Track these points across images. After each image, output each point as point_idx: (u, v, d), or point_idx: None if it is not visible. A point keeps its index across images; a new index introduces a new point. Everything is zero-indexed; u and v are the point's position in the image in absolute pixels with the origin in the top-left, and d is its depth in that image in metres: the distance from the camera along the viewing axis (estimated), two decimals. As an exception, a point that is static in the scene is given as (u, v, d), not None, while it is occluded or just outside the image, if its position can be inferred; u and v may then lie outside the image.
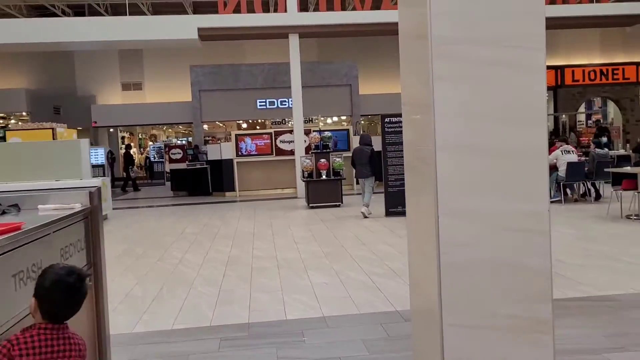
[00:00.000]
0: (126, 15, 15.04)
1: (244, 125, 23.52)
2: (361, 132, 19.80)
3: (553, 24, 12.86)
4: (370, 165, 9.90)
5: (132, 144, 24.58)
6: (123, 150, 24.06)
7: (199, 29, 13.46)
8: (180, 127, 27.15)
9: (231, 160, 14.86)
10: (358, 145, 10.59)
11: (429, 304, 2.80)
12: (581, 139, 18.99)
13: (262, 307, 4.70)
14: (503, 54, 2.61)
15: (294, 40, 13.87)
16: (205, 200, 14.15)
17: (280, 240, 7.90)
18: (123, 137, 25.65)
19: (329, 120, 22.56)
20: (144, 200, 15.41)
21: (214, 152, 15.64)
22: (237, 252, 7.16)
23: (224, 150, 15.24)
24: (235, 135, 15.26)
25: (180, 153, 17.30)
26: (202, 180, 15.59)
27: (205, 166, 15.77)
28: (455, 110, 2.63)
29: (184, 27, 13.57)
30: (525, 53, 2.62)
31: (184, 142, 23.08)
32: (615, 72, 20.06)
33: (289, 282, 5.49)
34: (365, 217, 9.68)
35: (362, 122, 22.44)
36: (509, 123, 2.62)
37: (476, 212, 2.58)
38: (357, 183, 14.75)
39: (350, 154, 14.71)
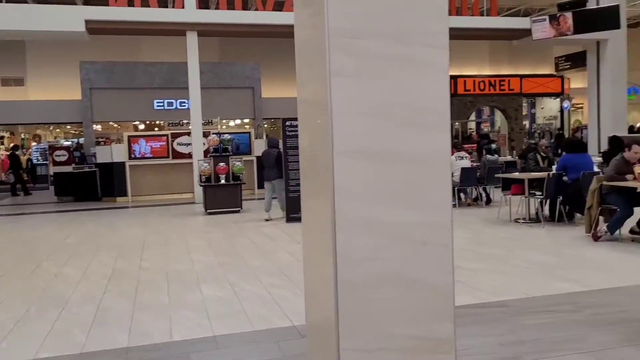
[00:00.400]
0: (4, 2, 13.58)
1: (141, 127, 22.32)
2: (263, 135, 19.52)
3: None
4: (277, 167, 9.76)
5: (18, 145, 22.43)
6: (3, 152, 21.89)
7: (87, 21, 12.43)
8: (69, 127, 25.24)
9: (123, 163, 13.90)
10: (266, 148, 10.53)
11: (325, 324, 2.54)
12: (465, 146, 19.93)
13: (144, 328, 4.22)
14: (406, 50, 2.40)
15: (192, 38, 13.25)
16: (93, 207, 13.08)
17: (173, 250, 7.36)
18: (2, 137, 23.36)
19: (231, 123, 22.01)
20: (22, 207, 13.97)
21: (104, 155, 14.57)
22: (122, 265, 6.54)
23: (116, 153, 14.25)
24: (128, 136, 14.32)
25: (65, 155, 15.94)
26: (90, 184, 14.44)
27: (94, 169, 14.63)
28: (355, 111, 2.38)
29: (69, 18, 12.46)
30: (429, 51, 2.43)
31: (71, 143, 21.38)
32: (502, 83, 21.39)
33: (178, 297, 5.03)
34: (268, 220, 9.74)
35: (265, 125, 22.13)
36: (412, 126, 2.42)
37: (376, 223, 2.35)
38: (261, 187, 14.51)
39: (252, 158, 14.52)
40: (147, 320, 4.41)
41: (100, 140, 21.77)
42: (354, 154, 2.35)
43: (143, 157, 14.11)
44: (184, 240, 8.10)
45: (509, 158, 14.98)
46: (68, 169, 15.12)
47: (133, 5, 12.70)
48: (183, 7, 12.98)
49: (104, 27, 13.08)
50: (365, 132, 2.36)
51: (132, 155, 14.01)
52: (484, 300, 4.62)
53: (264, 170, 10.15)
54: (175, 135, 14.50)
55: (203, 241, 8.03)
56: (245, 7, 14.31)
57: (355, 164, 2.36)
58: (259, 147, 15.15)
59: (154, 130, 20.58)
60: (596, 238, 6.96)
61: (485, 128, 25.04)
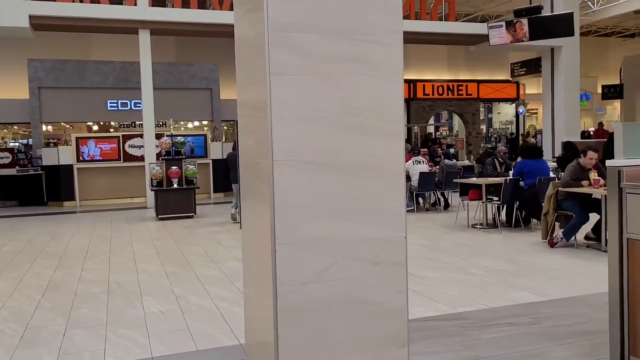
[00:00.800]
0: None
1: (95, 127, 21.49)
2: (222, 138, 19.05)
3: (406, 38, 13.25)
4: None
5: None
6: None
7: (31, 17, 11.78)
8: (16, 127, 24.12)
9: (71, 166, 13.28)
10: (231, 150, 10.42)
11: (264, 349, 2.28)
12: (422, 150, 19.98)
13: (76, 349, 3.85)
14: (356, 48, 2.17)
15: (144, 37, 12.76)
16: (38, 212, 12.43)
17: (117, 259, 6.95)
18: (-58, 138, 22.10)
19: (189, 125, 21.42)
20: (-39, 212, 13.14)
21: (50, 157, 13.88)
22: (60, 276, 6.10)
23: (62, 155, 13.60)
24: (76, 138, 13.69)
25: (9, 157, 15.10)
26: (35, 188, 13.74)
27: (39, 172, 13.92)
28: (298, 115, 2.14)
29: (12, 13, 11.77)
30: (381, 50, 2.21)
31: (19, 144, 20.37)
32: (459, 88, 21.62)
33: (118, 313, 4.67)
34: (234, 218, 9.82)
35: (225, 127, 21.65)
36: (362, 132, 2.19)
37: (321, 240, 2.11)
38: (217, 192, 14.16)
39: (208, 161, 14.12)
40: (79, 339, 4.04)
41: (51, 141, 20.85)
42: (296, 162, 2.11)
43: (92, 160, 13.53)
44: (131, 248, 7.68)
45: (466, 162, 15.05)
46: (12, 171, 14.34)
47: (82, 1, 12.13)
48: (135, 5, 12.49)
49: (49, 24, 12.43)
50: (308, 139, 2.12)
51: (81, 158, 13.42)
52: (440, 312, 4.46)
53: (230, 172, 9.92)
54: (127, 137, 13.97)
55: (151, 249, 7.63)
56: (202, 6, 13.90)
57: (298, 173, 2.11)
58: (216, 149, 14.78)
59: (109, 132, 19.87)
60: (552, 244, 6.93)
61: (444, 132, 25.27)
